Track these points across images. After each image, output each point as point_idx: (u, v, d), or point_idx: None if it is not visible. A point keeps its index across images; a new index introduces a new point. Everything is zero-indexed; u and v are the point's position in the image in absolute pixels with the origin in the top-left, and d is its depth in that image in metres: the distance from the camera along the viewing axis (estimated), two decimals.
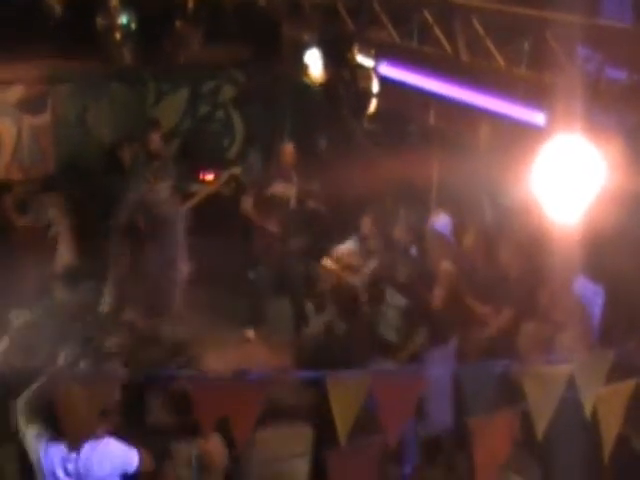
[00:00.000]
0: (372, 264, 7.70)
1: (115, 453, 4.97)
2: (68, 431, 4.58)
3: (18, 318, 6.58)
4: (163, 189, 9.07)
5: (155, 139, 9.33)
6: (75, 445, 4.83)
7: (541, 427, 4.61)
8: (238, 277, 8.83)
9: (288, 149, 9.29)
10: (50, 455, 4.90)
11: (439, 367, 5.25)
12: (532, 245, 6.80)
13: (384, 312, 6.90)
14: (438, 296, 7.05)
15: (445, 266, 7.17)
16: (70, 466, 4.88)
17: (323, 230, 8.96)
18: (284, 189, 9.05)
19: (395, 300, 6.96)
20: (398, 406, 4.22)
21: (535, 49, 6.89)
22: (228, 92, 11.06)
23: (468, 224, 7.71)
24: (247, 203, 9.00)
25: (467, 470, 5.05)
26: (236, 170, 9.91)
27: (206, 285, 8.44)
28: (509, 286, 6.76)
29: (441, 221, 7.78)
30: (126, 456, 5.00)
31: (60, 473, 4.90)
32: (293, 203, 9.08)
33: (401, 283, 7.13)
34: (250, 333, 8.51)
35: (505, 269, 6.87)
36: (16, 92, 10.01)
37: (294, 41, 10.50)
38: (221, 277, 8.63)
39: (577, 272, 6.37)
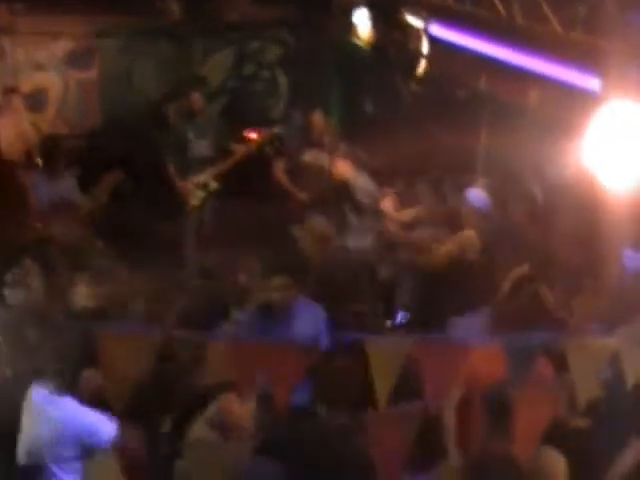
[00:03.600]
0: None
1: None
2: None
3: None
4: (203, 147, 9.04)
5: (196, 97, 9.26)
6: None
7: (584, 400, 4.53)
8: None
9: (316, 119, 9.13)
10: None
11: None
12: (581, 221, 6.62)
13: None
14: (445, 251, 7.00)
15: (467, 233, 7.05)
16: None
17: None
18: (316, 157, 8.92)
19: None
20: (441, 373, 4.16)
21: (591, 13, 6.71)
22: (274, 52, 10.97)
23: (515, 198, 7.55)
24: (278, 167, 8.92)
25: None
26: (278, 130, 9.79)
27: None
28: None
29: (476, 194, 7.63)
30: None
31: None
32: (328, 172, 8.91)
33: None
34: None
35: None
36: (64, 46, 10.01)
37: (342, 1, 10.35)
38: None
39: (625, 243, 6.24)
